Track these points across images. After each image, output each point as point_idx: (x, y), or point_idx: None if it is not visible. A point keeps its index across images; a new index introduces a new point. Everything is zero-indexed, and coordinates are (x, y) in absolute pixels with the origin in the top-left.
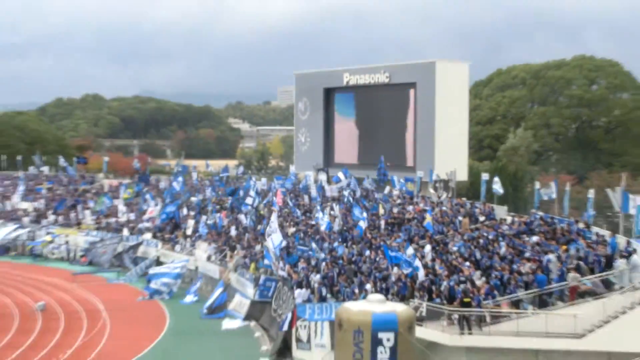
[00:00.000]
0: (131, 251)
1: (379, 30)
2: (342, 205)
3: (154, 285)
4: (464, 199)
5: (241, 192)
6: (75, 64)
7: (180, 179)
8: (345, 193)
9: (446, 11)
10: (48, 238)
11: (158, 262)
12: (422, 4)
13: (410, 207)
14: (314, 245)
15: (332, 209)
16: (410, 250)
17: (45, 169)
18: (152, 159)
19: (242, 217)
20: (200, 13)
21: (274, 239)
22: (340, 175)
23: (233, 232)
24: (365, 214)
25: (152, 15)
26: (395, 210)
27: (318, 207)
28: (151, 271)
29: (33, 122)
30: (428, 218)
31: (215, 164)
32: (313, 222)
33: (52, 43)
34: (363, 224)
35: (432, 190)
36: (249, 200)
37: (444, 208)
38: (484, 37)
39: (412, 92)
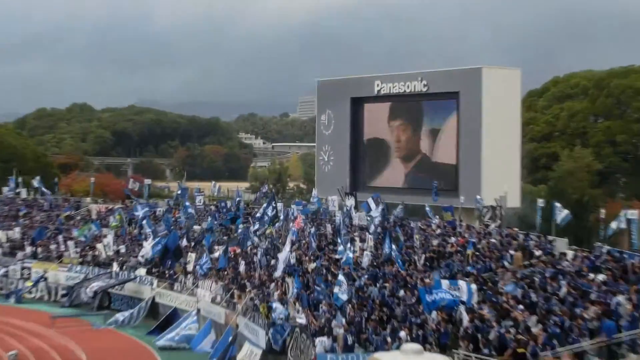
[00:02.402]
0: (121, 290)
1: (413, 29)
2: (373, 235)
3: (164, 342)
4: (515, 229)
5: (250, 220)
6: (63, 70)
7: (182, 203)
8: (376, 222)
9: (485, 9)
10: (29, 283)
11: (154, 303)
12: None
13: (452, 239)
14: (341, 277)
15: (361, 239)
16: (445, 284)
17: (23, 192)
18: (148, 180)
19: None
20: (213, 12)
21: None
22: (370, 201)
23: (242, 267)
24: (394, 247)
25: (158, 15)
26: (434, 242)
27: (340, 239)
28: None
29: (10, 137)
30: (469, 252)
31: (224, 187)
32: (337, 256)
33: (38, 46)
34: (399, 258)
35: (483, 221)
36: (256, 227)
37: (492, 240)
38: (533, 40)
39: (454, 103)
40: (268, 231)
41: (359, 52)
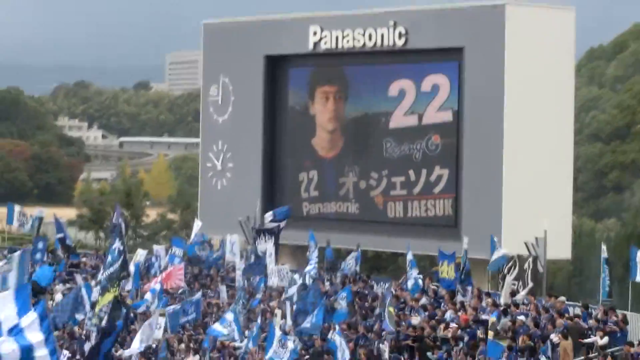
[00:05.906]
0: None
1: None
2: (298, 305)
3: None
4: (562, 298)
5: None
6: None
7: None
8: (307, 279)
9: None
10: None
11: None
12: None
13: (447, 314)
14: None
15: (283, 315)
16: None
17: None
18: None
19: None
20: None
21: None
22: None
23: None
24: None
25: None
26: (414, 319)
27: (235, 314)
28: None
29: None
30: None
31: (28, 214)
32: (237, 343)
33: None
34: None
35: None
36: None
37: (520, 317)
38: None
39: (452, 68)
40: (106, 298)
41: None
